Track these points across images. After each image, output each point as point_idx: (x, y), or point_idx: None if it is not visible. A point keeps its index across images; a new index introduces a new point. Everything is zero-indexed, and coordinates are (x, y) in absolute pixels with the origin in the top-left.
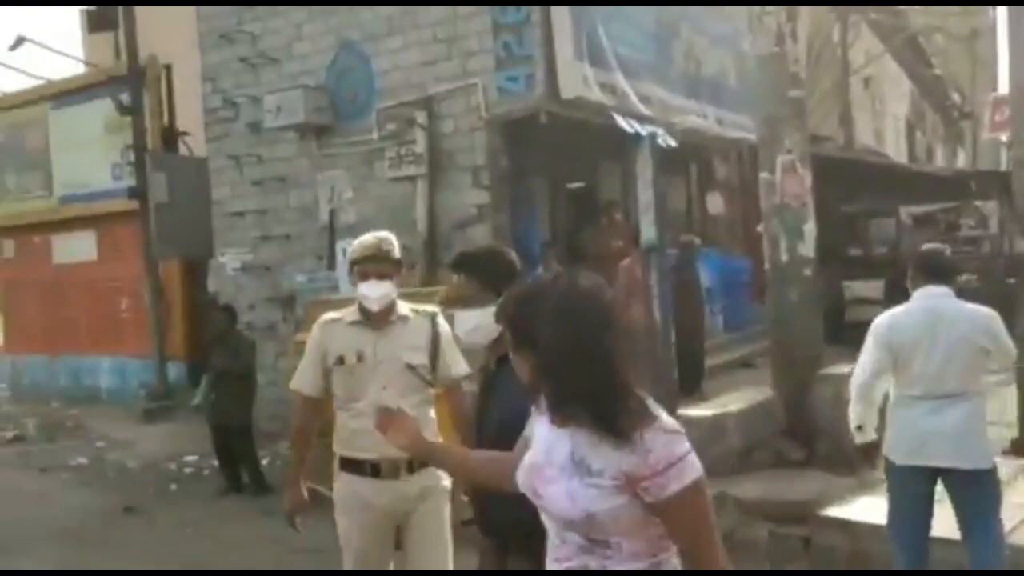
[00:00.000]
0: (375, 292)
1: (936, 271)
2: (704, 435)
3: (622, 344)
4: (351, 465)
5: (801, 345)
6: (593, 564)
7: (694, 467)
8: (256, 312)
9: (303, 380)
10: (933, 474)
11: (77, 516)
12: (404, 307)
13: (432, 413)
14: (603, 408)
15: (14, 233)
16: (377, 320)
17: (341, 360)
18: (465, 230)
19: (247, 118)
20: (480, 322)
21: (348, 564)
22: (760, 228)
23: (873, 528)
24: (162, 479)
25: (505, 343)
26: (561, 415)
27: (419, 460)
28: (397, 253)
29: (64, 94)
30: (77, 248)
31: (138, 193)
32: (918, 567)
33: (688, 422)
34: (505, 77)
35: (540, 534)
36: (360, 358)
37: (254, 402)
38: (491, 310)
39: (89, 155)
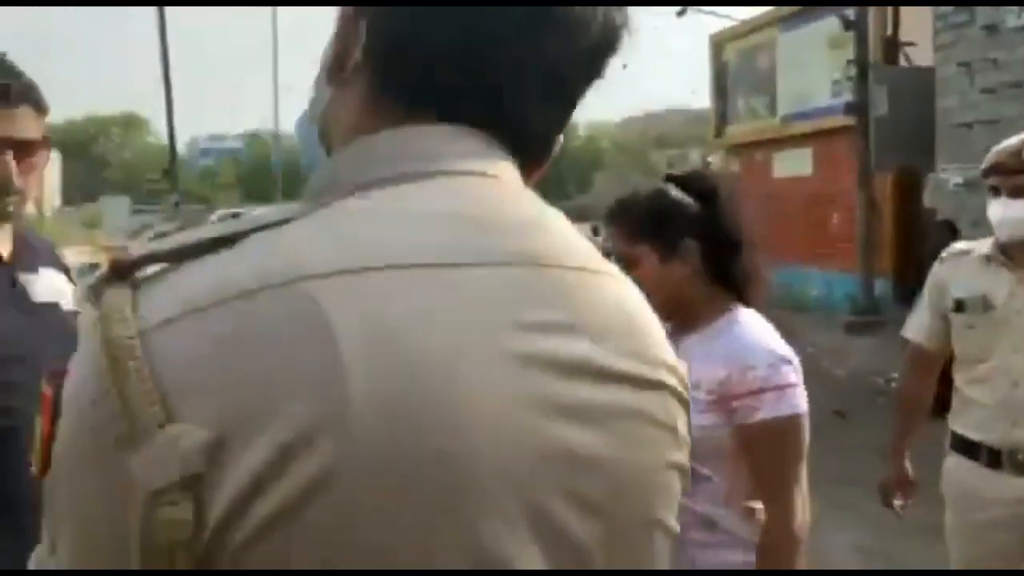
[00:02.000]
0: (1005, 214)
1: None
2: None
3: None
4: (962, 446)
5: None
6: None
7: (794, 402)
8: (979, 229)
9: (913, 323)
10: None
11: None
12: None
13: None
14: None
15: (739, 151)
16: (1020, 256)
17: (960, 306)
18: None
19: (983, 21)
20: None
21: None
22: None
23: None
24: (868, 391)
25: None
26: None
27: None
28: None
29: (792, 16)
30: (795, 163)
31: (856, 108)
32: None
33: None
34: None
35: None
36: (987, 306)
37: None
38: None
39: (811, 74)
